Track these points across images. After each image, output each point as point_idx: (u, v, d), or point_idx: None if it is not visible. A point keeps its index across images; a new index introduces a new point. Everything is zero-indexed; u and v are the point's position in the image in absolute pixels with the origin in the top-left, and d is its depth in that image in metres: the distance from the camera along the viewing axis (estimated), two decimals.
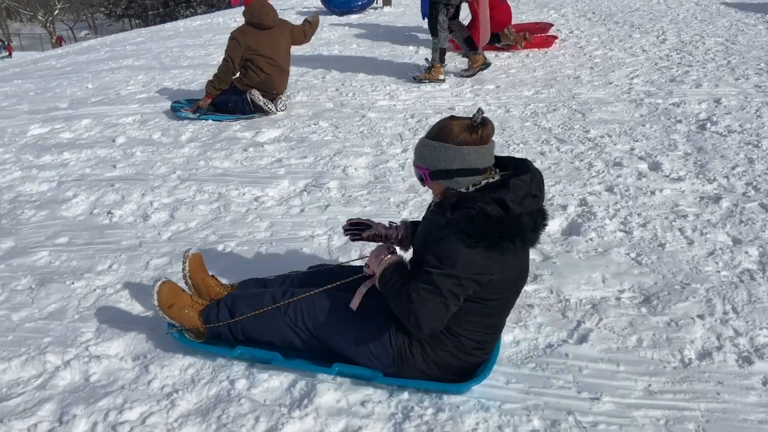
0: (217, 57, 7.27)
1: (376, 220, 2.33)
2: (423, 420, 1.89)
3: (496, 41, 6.91)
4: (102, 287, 2.74)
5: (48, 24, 39.19)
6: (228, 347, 2.18)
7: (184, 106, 5.39)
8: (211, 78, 5.19)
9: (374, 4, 11.55)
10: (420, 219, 2.15)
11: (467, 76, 5.91)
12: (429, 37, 5.98)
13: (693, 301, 2.40)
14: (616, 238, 2.91)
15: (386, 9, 11.25)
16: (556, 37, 7.28)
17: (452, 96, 5.39)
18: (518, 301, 2.44)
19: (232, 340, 2.19)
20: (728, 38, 6.78)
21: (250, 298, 2.19)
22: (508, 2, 7.17)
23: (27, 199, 3.80)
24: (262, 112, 5.06)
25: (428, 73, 5.83)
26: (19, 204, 3.74)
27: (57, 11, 40.02)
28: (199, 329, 2.20)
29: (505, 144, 4.16)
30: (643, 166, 3.67)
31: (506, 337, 2.26)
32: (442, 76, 5.80)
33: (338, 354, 2.06)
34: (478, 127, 1.82)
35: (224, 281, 2.51)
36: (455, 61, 6.47)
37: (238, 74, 5.12)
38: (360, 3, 11.03)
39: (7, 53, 27.01)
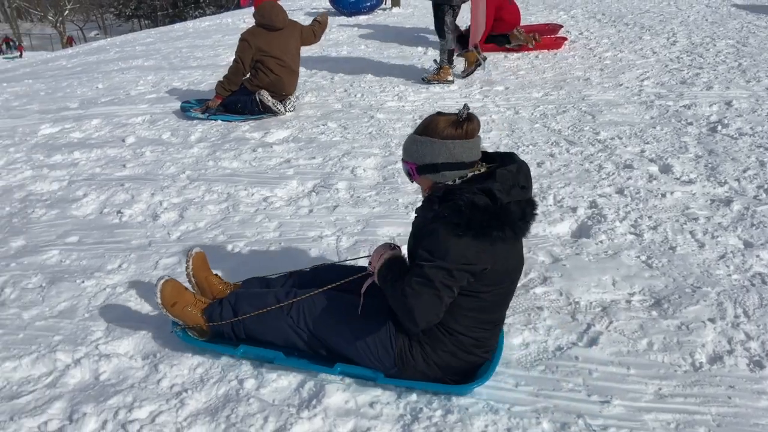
0: (226, 57, 7.31)
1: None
2: (432, 422, 1.89)
3: (506, 42, 6.91)
4: (112, 286, 2.76)
5: (58, 24, 39.45)
6: (231, 346, 2.19)
7: (194, 106, 5.42)
8: (221, 79, 5.20)
9: (383, 5, 11.58)
10: None
11: (463, 77, 5.91)
12: (437, 38, 5.99)
13: (704, 305, 2.38)
14: (627, 241, 2.90)
15: (395, 10, 11.26)
16: (565, 39, 7.25)
17: (461, 97, 5.38)
18: (527, 303, 2.45)
19: (234, 339, 2.20)
20: (739, 40, 6.73)
21: (254, 297, 2.20)
22: (517, 3, 7.16)
23: (38, 198, 3.83)
24: (271, 112, 5.07)
25: (437, 75, 5.83)
26: (30, 203, 3.77)
27: (67, 11, 40.26)
28: (202, 327, 2.21)
29: (514, 145, 4.15)
30: (654, 169, 3.65)
31: (515, 339, 2.26)
32: (450, 78, 5.80)
33: (340, 355, 2.06)
34: (464, 122, 1.84)
35: (228, 280, 2.52)
36: (460, 63, 6.46)
37: (248, 75, 5.14)
38: (369, 4, 11.06)
39: (18, 53, 27.18)
